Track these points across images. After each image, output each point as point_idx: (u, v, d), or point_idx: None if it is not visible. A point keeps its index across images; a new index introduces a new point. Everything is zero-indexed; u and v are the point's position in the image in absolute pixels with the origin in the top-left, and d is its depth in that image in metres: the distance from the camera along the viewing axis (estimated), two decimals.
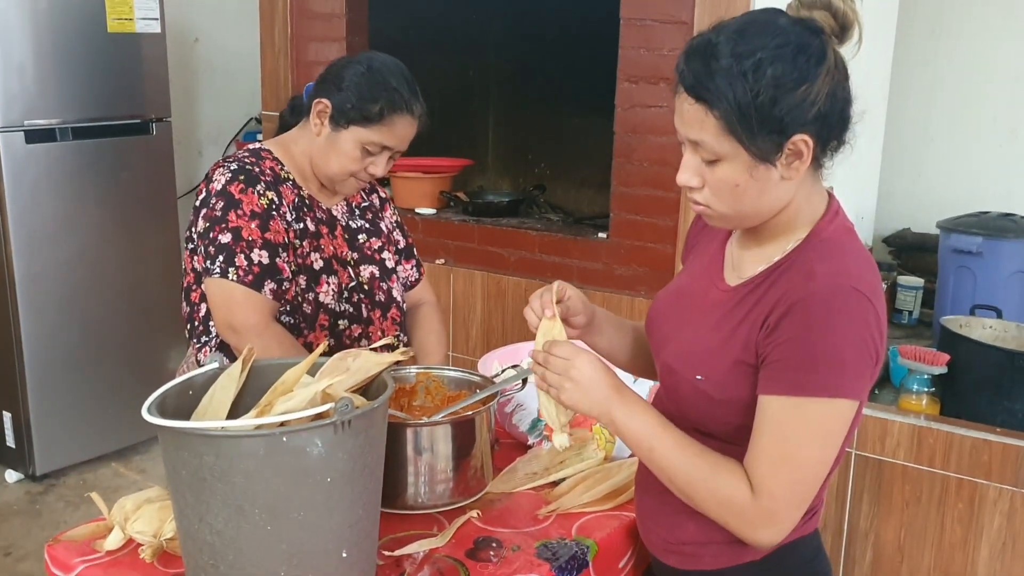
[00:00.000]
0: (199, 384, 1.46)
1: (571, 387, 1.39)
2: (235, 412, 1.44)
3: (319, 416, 1.29)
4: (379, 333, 2.04)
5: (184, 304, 2.00)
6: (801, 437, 1.25)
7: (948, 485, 2.39)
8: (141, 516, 1.53)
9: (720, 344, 1.35)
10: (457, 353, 3.38)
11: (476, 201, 3.55)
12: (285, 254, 1.87)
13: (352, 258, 2.03)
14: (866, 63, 3.20)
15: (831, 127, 1.27)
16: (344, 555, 1.34)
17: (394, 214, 2.22)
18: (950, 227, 3.01)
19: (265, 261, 1.83)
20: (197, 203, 1.90)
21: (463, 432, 1.67)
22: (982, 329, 2.71)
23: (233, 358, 1.67)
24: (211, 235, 1.83)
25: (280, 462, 1.25)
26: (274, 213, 1.87)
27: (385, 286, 2.08)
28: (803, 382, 1.24)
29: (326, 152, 1.93)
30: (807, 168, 1.28)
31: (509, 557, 1.53)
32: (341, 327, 1.99)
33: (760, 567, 1.40)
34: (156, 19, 3.91)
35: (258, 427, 1.29)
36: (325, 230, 1.98)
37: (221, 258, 1.81)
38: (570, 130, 3.95)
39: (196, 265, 1.92)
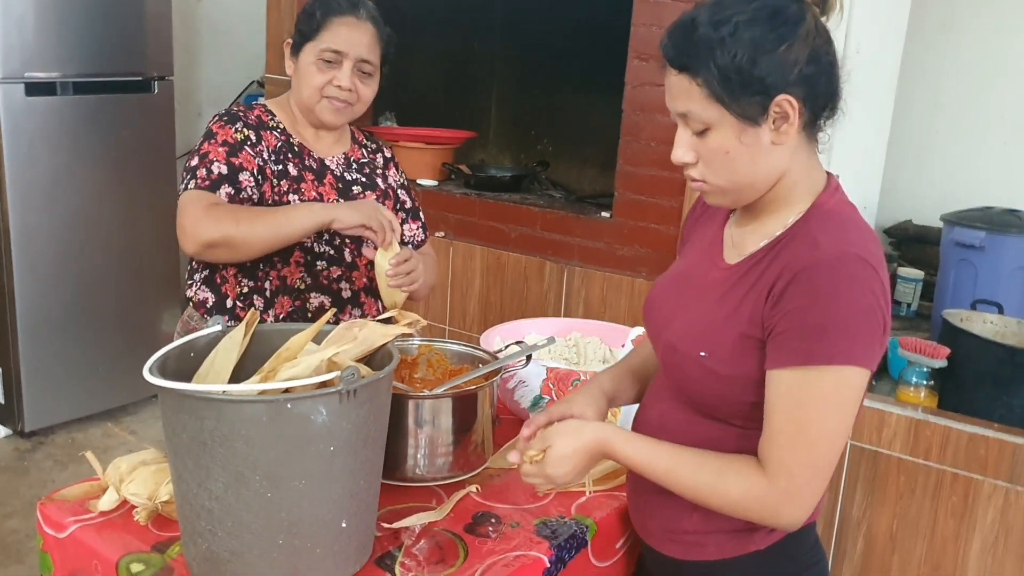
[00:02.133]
0: (200, 347, 1.44)
1: (560, 476, 1.39)
2: (237, 377, 1.42)
3: (324, 384, 1.27)
4: (363, 280, 2.05)
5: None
6: (815, 409, 1.24)
7: (943, 478, 2.38)
8: (136, 478, 1.52)
9: (724, 319, 1.34)
10: (454, 327, 3.36)
11: (479, 175, 3.52)
12: (252, 179, 1.90)
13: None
14: (876, 55, 3.19)
15: (817, 90, 1.27)
16: (344, 525, 1.32)
17: (400, 175, 2.21)
18: (954, 220, 2.99)
19: (224, 171, 1.87)
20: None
21: (465, 406, 1.65)
22: (983, 324, 2.69)
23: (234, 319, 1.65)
24: (186, 165, 1.91)
25: (283, 429, 1.23)
26: (247, 147, 1.91)
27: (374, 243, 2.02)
28: (812, 351, 1.22)
29: (297, 83, 1.99)
30: (799, 135, 1.29)
31: (508, 533, 1.52)
32: (319, 267, 2.00)
33: (764, 556, 1.39)
34: None
35: (261, 392, 1.27)
36: (311, 176, 1.99)
37: (186, 177, 1.87)
38: (573, 108, 3.91)
39: None
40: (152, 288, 4.07)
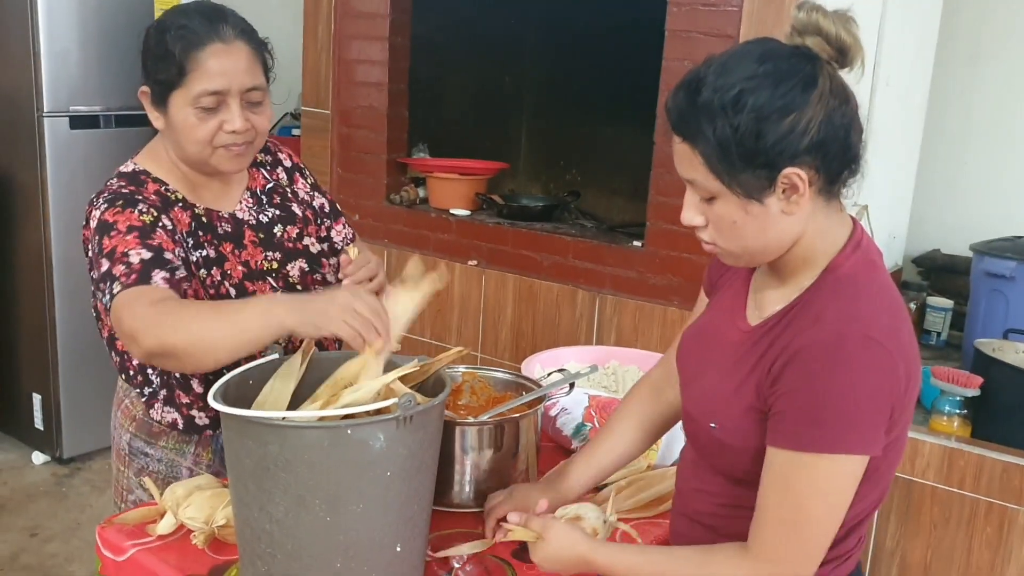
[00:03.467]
0: (259, 375, 1.48)
1: (545, 566, 1.42)
2: (293, 403, 1.47)
3: (380, 411, 1.31)
4: None
5: (112, 355, 1.80)
6: (805, 495, 1.20)
7: (977, 508, 2.39)
8: (192, 503, 1.56)
9: (733, 390, 1.30)
10: (486, 355, 3.39)
11: (511, 204, 3.56)
12: (179, 259, 1.61)
13: (274, 261, 1.79)
14: (905, 86, 3.22)
15: (831, 156, 1.20)
16: (398, 549, 1.36)
17: (307, 179, 1.94)
18: (983, 250, 3.01)
19: (147, 255, 1.55)
20: (87, 252, 1.67)
21: (510, 433, 1.69)
22: (1015, 353, 2.71)
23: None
24: (94, 274, 1.60)
25: (343, 454, 1.27)
26: (160, 229, 1.61)
27: (319, 276, 1.86)
28: (805, 438, 1.18)
29: (174, 138, 1.67)
30: (816, 198, 1.22)
31: None
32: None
33: None
34: None
35: (321, 418, 1.31)
36: (230, 247, 1.74)
37: (106, 285, 1.54)
38: (602, 138, 3.96)
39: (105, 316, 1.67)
40: None
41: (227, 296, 1.70)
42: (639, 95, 3.06)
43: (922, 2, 3.33)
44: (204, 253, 1.70)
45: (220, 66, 1.61)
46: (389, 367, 1.46)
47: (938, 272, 3.56)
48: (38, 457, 3.90)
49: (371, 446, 1.27)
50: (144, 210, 1.61)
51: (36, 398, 3.84)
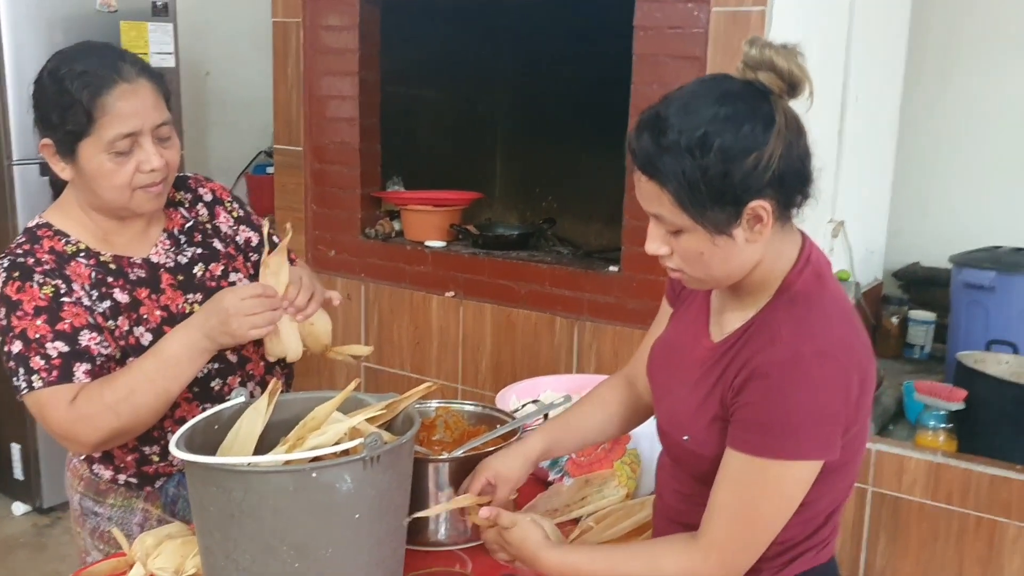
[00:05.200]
0: (225, 419, 1.45)
1: (512, 551, 1.46)
2: (261, 447, 1.44)
3: (347, 452, 1.28)
4: (260, 365, 1.79)
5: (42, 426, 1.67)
6: (756, 496, 1.28)
7: (966, 523, 2.37)
8: (162, 552, 1.52)
9: (700, 404, 1.36)
10: (467, 386, 3.36)
11: (486, 234, 3.55)
12: (93, 334, 1.59)
13: (195, 305, 1.71)
14: (875, 101, 3.23)
15: (790, 187, 1.27)
16: None
17: (232, 211, 1.87)
18: (962, 262, 3.01)
19: (65, 349, 1.55)
20: None
21: None
22: (998, 365, 2.70)
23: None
24: (4, 349, 1.57)
25: (309, 498, 1.24)
26: (64, 300, 1.58)
27: None
28: (759, 444, 1.26)
29: (87, 187, 1.61)
30: (773, 226, 1.28)
31: None
32: (215, 388, 1.72)
33: None
34: (171, 53, 3.94)
35: (287, 462, 1.28)
36: (145, 292, 1.68)
37: (22, 371, 1.54)
38: (577, 164, 3.95)
39: None
40: None
41: (139, 344, 1.64)
42: (611, 120, 3.06)
43: (890, 17, 3.35)
44: (110, 304, 1.64)
45: (130, 107, 1.57)
46: (357, 406, 1.44)
47: (919, 285, 3.56)
48: (18, 508, 3.84)
49: (337, 488, 1.25)
50: (41, 281, 1.58)
51: (15, 448, 3.78)
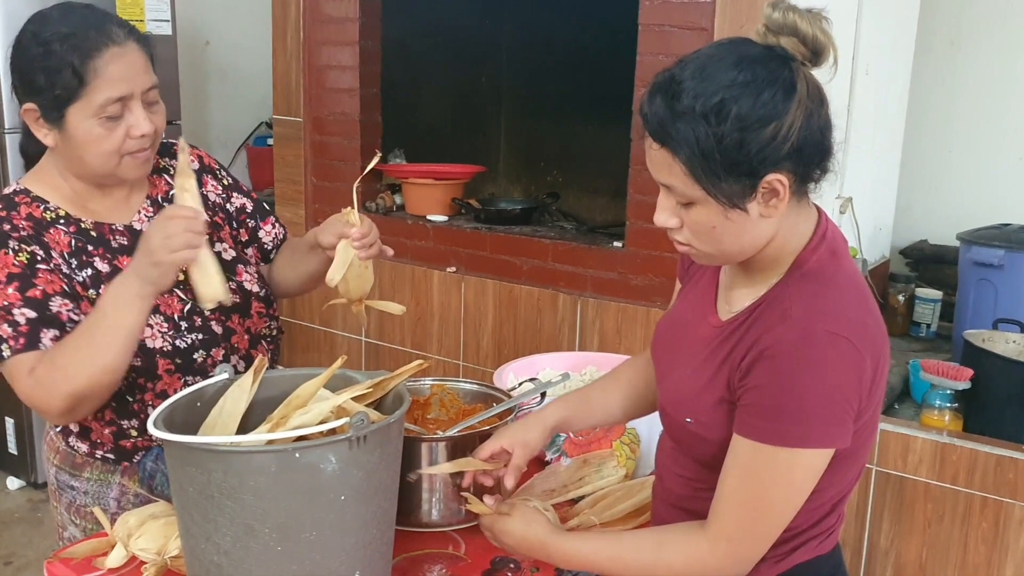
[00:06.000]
0: (208, 396, 1.41)
1: (502, 542, 1.43)
2: (245, 425, 1.40)
3: (333, 431, 1.24)
4: (245, 339, 1.75)
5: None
6: (765, 484, 1.24)
7: (972, 503, 2.33)
8: (145, 533, 1.49)
9: (705, 384, 1.32)
10: (468, 363, 3.33)
11: (488, 208, 3.50)
12: (66, 300, 1.54)
13: (180, 273, 1.56)
14: (885, 75, 3.16)
15: (809, 160, 1.21)
16: None
17: (221, 179, 1.84)
18: (971, 239, 2.95)
19: (32, 315, 1.50)
20: None
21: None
22: (1005, 344, 2.65)
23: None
24: None
25: (292, 479, 1.20)
26: (40, 267, 1.54)
27: (233, 284, 1.72)
28: (768, 430, 1.21)
29: (73, 154, 1.58)
30: (789, 200, 1.22)
31: None
32: (197, 360, 1.66)
33: None
34: (167, 20, 3.88)
35: (269, 442, 1.24)
36: (127, 260, 1.61)
37: None
38: (582, 138, 3.90)
39: None
40: None
41: None
42: (617, 93, 3.00)
43: None
44: (91, 272, 1.60)
45: (120, 71, 1.52)
46: (345, 383, 1.39)
47: (926, 263, 3.51)
48: (13, 482, 3.82)
49: (322, 469, 1.20)
50: (16, 248, 1.53)
51: (8, 422, 3.76)
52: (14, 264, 1.52)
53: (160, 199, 1.73)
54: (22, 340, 1.48)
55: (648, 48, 2.80)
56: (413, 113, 3.88)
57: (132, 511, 1.54)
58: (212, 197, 1.80)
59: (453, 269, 3.33)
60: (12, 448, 3.78)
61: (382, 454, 1.28)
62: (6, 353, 1.49)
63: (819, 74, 1.22)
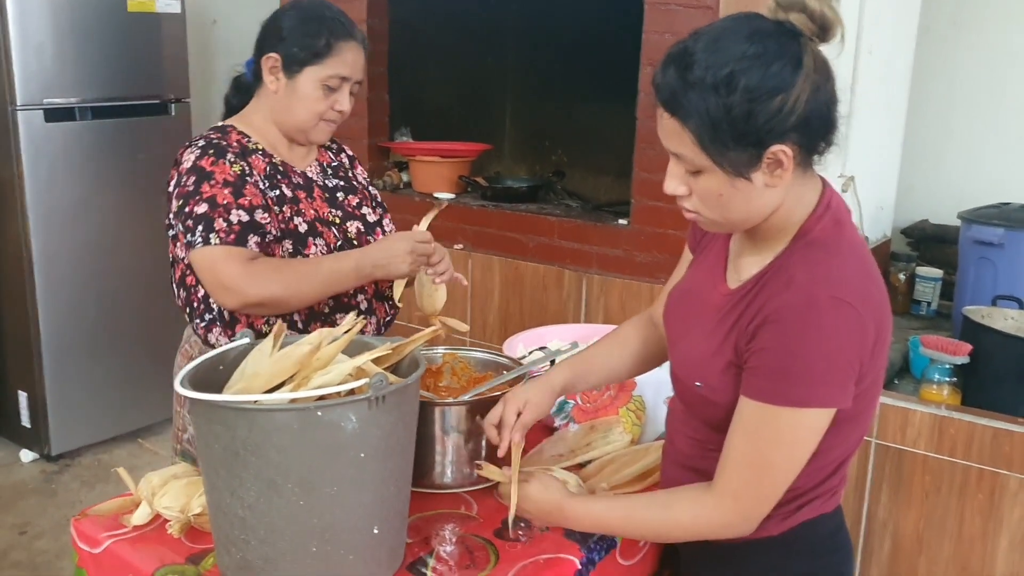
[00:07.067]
0: (231, 359, 1.45)
1: (526, 509, 1.49)
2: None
3: (353, 392, 1.29)
4: (372, 286, 2.00)
5: (180, 292, 1.97)
6: (770, 443, 1.28)
7: (969, 475, 2.38)
8: (168, 491, 1.54)
9: (714, 350, 1.36)
10: (475, 339, 3.37)
11: (495, 186, 3.54)
12: (265, 214, 1.84)
13: (336, 216, 1.99)
14: (887, 55, 3.19)
15: (814, 132, 1.25)
16: (375, 531, 1.34)
17: (364, 172, 2.19)
18: (971, 218, 2.99)
19: (245, 219, 1.79)
20: (170, 188, 1.87)
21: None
22: (1004, 320, 2.69)
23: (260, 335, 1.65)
24: (187, 210, 1.80)
25: (314, 436, 1.24)
26: (247, 180, 1.84)
27: (371, 239, 2.02)
28: (773, 391, 1.26)
29: (289, 104, 1.92)
30: (794, 171, 1.26)
31: (538, 537, 1.53)
32: (343, 298, 1.96)
33: (779, 541, 1.41)
34: None
35: (292, 401, 1.28)
36: (303, 194, 1.95)
37: (200, 228, 1.77)
38: (587, 117, 3.93)
39: (180, 252, 1.90)
40: (174, 308, 4.08)
41: (296, 231, 1.89)
42: (621, 73, 3.03)
43: None
44: (278, 192, 1.90)
45: (351, 59, 1.91)
46: (362, 348, 1.44)
47: (927, 242, 3.54)
48: (26, 455, 3.87)
49: (343, 427, 1.25)
50: (232, 160, 1.85)
51: (22, 396, 3.81)
52: (230, 173, 1.83)
53: (325, 165, 2.07)
54: (233, 236, 1.77)
55: (654, 26, 2.83)
56: (420, 91, 3.91)
57: (155, 472, 1.59)
58: (360, 178, 2.14)
59: (460, 246, 3.37)
60: (25, 421, 3.83)
61: (400, 414, 1.33)
62: (214, 241, 1.76)
63: (826, 50, 1.26)
